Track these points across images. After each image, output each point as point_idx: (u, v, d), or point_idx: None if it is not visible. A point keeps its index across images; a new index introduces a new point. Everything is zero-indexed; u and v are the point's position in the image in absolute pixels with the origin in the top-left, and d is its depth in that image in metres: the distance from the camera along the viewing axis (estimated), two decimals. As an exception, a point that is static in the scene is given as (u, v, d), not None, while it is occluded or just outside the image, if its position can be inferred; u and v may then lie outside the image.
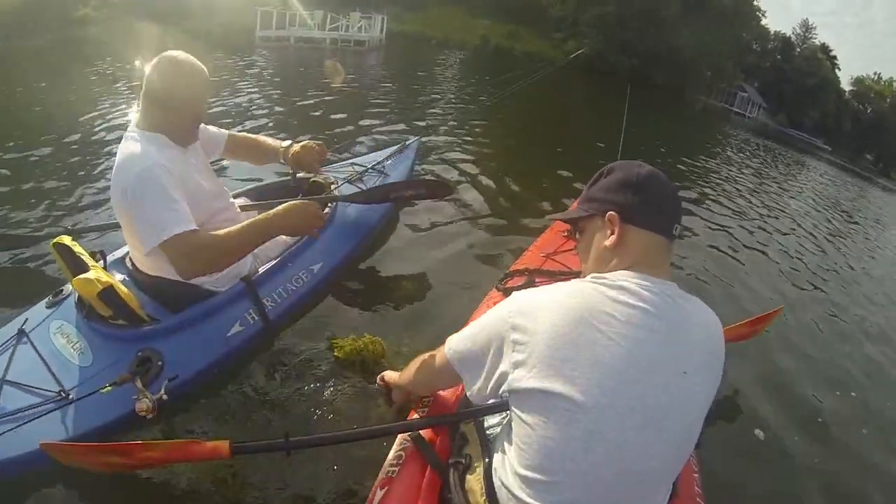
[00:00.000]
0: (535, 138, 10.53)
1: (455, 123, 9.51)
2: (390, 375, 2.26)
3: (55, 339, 2.33)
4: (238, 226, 2.27)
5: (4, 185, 4.75)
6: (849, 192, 20.09)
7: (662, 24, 33.11)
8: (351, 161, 4.47)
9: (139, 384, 2.04)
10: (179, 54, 2.27)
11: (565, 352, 1.18)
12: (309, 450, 2.11)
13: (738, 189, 10.71)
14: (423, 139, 5.87)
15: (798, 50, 67.34)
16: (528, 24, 34.76)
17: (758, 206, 9.65)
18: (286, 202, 2.42)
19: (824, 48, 69.17)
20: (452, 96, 13.69)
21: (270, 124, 8.00)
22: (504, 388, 1.30)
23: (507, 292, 2.79)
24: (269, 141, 3.16)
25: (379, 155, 4.65)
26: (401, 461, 1.76)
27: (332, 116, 8.83)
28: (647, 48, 32.75)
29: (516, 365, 1.25)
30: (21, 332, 2.36)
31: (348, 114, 9.02)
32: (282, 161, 3.15)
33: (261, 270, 2.81)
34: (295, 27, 22.55)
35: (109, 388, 1.99)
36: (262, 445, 1.81)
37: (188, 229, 2.07)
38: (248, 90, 10.43)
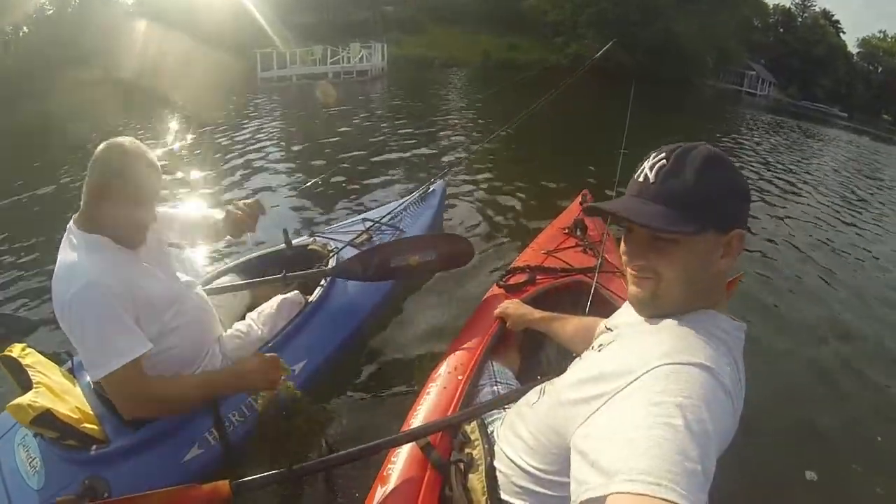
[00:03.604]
0: (537, 138, 10.21)
1: (475, 146, 8.87)
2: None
3: (18, 453, 2.20)
4: (192, 379, 2.09)
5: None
6: (867, 158, 19.66)
7: (659, 14, 32.93)
8: (362, 216, 3.96)
9: None
10: (129, 141, 1.98)
11: None
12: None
13: (753, 173, 10.53)
14: (448, 179, 5.29)
15: (800, 20, 66.66)
16: (526, 33, 34.82)
17: (772, 189, 9.47)
18: (239, 366, 2.14)
19: (826, 14, 68.60)
20: (466, 117, 13.49)
21: (276, 175, 7.91)
22: None
23: (508, 289, 2.78)
24: (216, 215, 2.70)
25: (394, 206, 4.09)
26: (402, 459, 1.76)
27: (340, 160, 8.35)
28: (647, 41, 32.57)
29: None
30: None
31: (357, 153, 8.72)
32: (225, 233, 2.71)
33: None
34: (296, 65, 22.85)
35: None
36: (263, 479, 1.71)
37: (127, 361, 1.84)
38: (253, 138, 10.41)
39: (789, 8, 67.10)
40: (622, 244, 1.20)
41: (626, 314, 1.32)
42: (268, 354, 2.22)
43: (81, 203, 1.99)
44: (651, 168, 1.12)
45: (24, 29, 22.30)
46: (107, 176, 1.92)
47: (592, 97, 18.18)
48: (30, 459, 2.13)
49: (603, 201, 1.24)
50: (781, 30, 64.27)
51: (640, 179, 1.13)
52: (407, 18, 35.73)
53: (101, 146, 1.95)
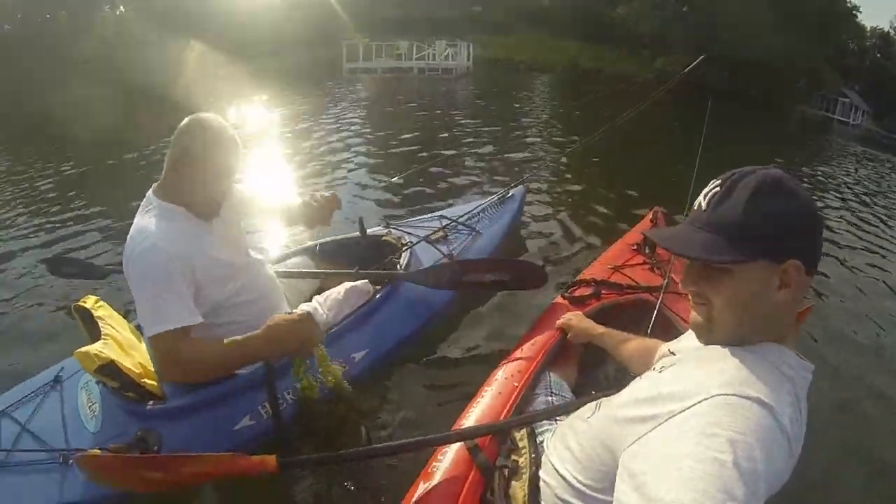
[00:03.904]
0: (613, 150, 9.60)
1: (556, 154, 8.62)
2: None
3: (80, 396, 2.36)
4: (229, 342, 2.03)
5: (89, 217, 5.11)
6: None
7: (750, 33, 32.06)
8: (439, 213, 3.95)
9: None
10: (211, 117, 2.06)
11: None
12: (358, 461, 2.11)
13: (832, 205, 9.73)
14: (529, 184, 5.19)
15: (899, 43, 63.58)
16: (613, 43, 34.02)
17: (853, 222, 8.65)
18: (279, 320, 2.08)
19: (929, 38, 65.26)
20: (547, 124, 13.27)
21: (355, 162, 8.01)
22: None
23: (572, 301, 2.76)
24: (293, 202, 2.73)
25: (471, 206, 4.04)
26: (448, 458, 1.77)
27: (420, 154, 8.51)
28: (734, 60, 31.75)
29: None
30: (56, 380, 2.49)
31: (437, 150, 8.70)
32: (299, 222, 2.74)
33: None
34: (381, 58, 23.13)
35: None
36: (310, 460, 1.78)
37: (176, 327, 1.88)
38: (336, 124, 10.61)
39: (888, 31, 64.45)
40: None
41: (690, 339, 1.31)
42: (301, 312, 2.22)
43: (162, 172, 2.08)
44: (705, 196, 1.11)
45: (121, 8, 23.29)
46: (188, 148, 2.00)
47: (671, 112, 17.82)
48: (90, 404, 2.29)
49: (662, 227, 1.24)
50: (879, 54, 61.71)
51: (696, 207, 1.14)
52: (494, 19, 35.46)
53: (186, 120, 2.03)
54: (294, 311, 2.48)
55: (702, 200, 1.11)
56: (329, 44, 24.39)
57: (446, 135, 10.32)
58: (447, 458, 1.77)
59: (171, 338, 1.88)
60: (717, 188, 1.09)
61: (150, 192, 2.10)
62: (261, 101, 14.81)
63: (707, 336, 1.14)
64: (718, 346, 1.10)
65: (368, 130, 10.26)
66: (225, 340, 2.02)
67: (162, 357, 1.96)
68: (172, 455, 1.72)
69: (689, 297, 1.17)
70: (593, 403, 1.43)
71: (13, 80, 18.26)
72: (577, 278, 3.02)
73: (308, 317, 2.18)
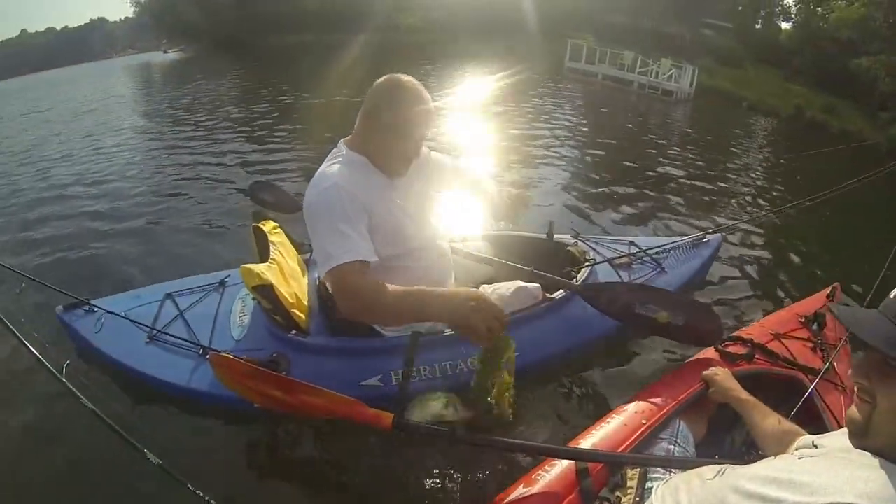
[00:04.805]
0: (810, 215, 8.74)
1: (762, 211, 7.86)
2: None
3: (235, 304, 2.71)
4: (408, 290, 1.87)
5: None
6: None
7: None
8: (629, 239, 3.79)
9: None
10: (407, 79, 2.10)
11: None
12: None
13: None
14: (727, 234, 4.92)
15: None
16: (848, 96, 30.93)
17: None
18: (467, 292, 1.81)
19: None
20: (757, 173, 12.49)
21: (556, 162, 8.01)
22: None
23: (724, 356, 2.62)
24: (486, 184, 2.68)
25: (663, 241, 3.83)
26: (555, 472, 1.77)
27: (619, 170, 8.35)
28: None
29: None
30: (221, 284, 2.92)
31: (641, 171, 8.43)
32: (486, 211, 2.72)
33: (446, 332, 2.40)
34: (604, 65, 22.91)
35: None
36: (425, 429, 1.82)
37: (355, 259, 1.86)
38: (547, 120, 10.72)
39: None
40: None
41: (839, 439, 1.21)
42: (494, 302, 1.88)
43: (355, 125, 2.18)
44: None
45: None
46: (379, 106, 2.07)
47: (880, 186, 16.43)
48: (241, 314, 2.60)
49: (849, 306, 1.12)
50: None
51: (892, 296, 1.08)
52: (725, 48, 33.55)
53: (382, 78, 2.11)
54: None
55: None
56: (555, 37, 24.40)
57: (651, 158, 10.00)
58: (553, 472, 1.76)
59: (352, 270, 1.89)
60: None
61: (341, 141, 2.21)
62: (475, 77, 15.04)
63: (858, 438, 1.08)
64: (870, 455, 1.03)
65: (576, 133, 10.27)
66: (410, 291, 1.88)
67: (342, 289, 1.95)
68: (296, 380, 1.83)
69: (855, 392, 1.09)
70: (718, 467, 1.37)
71: (253, 19, 19.98)
72: (735, 334, 2.86)
73: (498, 310, 1.83)
